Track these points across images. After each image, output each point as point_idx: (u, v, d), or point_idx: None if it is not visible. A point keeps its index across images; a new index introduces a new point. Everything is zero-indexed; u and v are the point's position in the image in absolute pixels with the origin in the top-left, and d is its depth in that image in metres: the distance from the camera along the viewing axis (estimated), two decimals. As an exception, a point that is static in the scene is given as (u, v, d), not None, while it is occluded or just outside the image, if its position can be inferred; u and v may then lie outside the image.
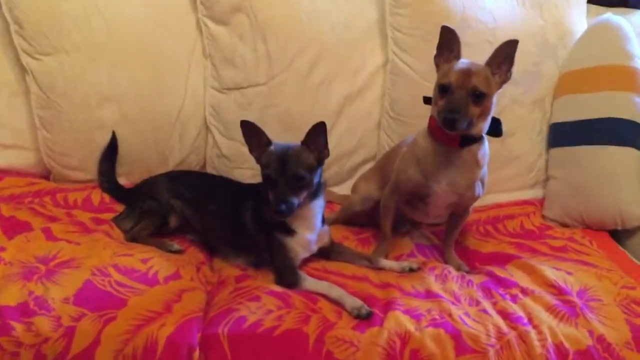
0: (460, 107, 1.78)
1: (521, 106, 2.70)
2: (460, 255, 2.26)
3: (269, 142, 1.88)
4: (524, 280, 1.97)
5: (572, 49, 2.72)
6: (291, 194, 1.80)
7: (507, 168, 2.72)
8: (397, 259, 2.19)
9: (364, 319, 1.68)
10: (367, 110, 2.74)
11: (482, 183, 2.06)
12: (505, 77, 1.89)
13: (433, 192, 2.02)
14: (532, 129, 2.74)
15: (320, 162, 1.91)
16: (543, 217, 2.62)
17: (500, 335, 1.67)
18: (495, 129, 1.98)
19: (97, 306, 1.63)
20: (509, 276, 2.01)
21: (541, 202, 2.71)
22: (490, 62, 1.87)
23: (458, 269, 2.13)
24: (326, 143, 1.88)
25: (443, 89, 1.85)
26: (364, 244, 2.32)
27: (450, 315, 1.72)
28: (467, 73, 1.82)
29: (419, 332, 1.64)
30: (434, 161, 1.98)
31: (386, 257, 2.18)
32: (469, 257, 2.28)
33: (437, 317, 1.71)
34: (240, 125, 1.86)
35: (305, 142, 1.87)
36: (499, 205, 2.69)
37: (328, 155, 1.93)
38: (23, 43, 2.42)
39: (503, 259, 2.17)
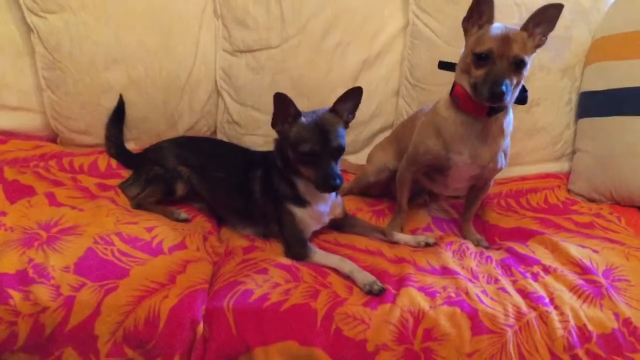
0: (505, 76, 1.70)
1: (549, 73, 2.58)
2: (479, 230, 2.20)
3: (298, 114, 1.80)
4: (546, 258, 1.90)
5: (606, 13, 2.59)
6: (335, 164, 1.76)
7: (531, 139, 2.63)
8: (413, 232, 2.14)
9: (375, 295, 1.64)
10: (385, 76, 2.65)
11: (505, 154, 1.98)
12: (540, 41, 1.80)
13: (453, 164, 1.95)
14: (560, 98, 2.63)
15: (346, 126, 1.86)
16: (568, 191, 2.54)
17: (519, 315, 1.60)
18: (520, 96, 1.89)
19: (98, 275, 1.59)
20: (530, 253, 1.94)
21: (567, 175, 2.62)
22: (526, 26, 1.77)
23: (477, 244, 2.06)
24: (356, 108, 1.84)
25: (481, 57, 1.75)
26: (379, 216, 2.27)
27: (466, 293, 1.67)
28: (507, 40, 1.72)
29: (433, 311, 1.59)
30: (456, 132, 1.90)
31: (401, 230, 2.13)
32: (488, 232, 2.22)
33: (452, 294, 1.66)
34: (274, 98, 1.75)
35: (335, 107, 1.82)
36: (523, 178, 2.61)
37: (353, 118, 1.88)
38: (27, 0, 2.35)
39: (525, 235, 2.10)
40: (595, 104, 2.52)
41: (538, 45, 1.80)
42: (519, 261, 1.89)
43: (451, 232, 2.19)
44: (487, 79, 1.72)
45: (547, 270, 1.82)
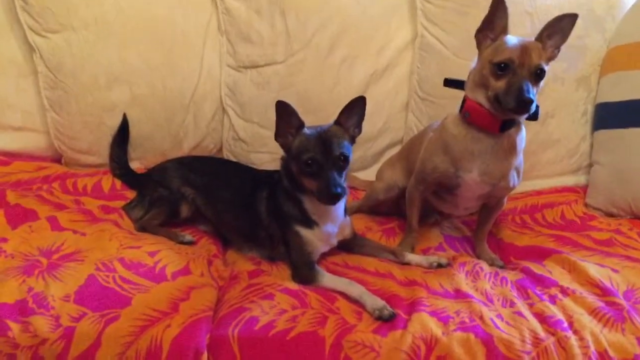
0: (529, 86, 1.67)
1: (563, 84, 2.54)
2: (493, 249, 2.15)
3: (301, 125, 1.79)
4: (564, 279, 1.85)
5: (621, 21, 2.55)
6: (339, 176, 1.73)
7: (546, 152, 2.58)
8: (425, 252, 2.10)
9: (386, 320, 1.59)
10: (394, 90, 2.63)
11: (518, 172, 1.93)
12: (552, 54, 1.77)
13: (463, 183, 1.91)
14: (576, 109, 2.59)
15: (352, 141, 1.84)
16: (586, 205, 2.48)
17: (536, 341, 1.55)
18: (532, 112, 1.83)
19: (99, 305, 1.56)
20: (547, 273, 1.89)
21: (584, 189, 2.57)
22: (540, 37, 1.75)
23: (491, 263, 2.02)
24: (361, 120, 1.82)
25: (501, 67, 1.72)
26: (389, 235, 2.23)
27: (481, 317, 1.62)
28: (525, 49, 1.70)
29: (446, 337, 1.54)
30: (466, 149, 1.86)
31: (413, 250, 2.10)
32: (503, 251, 2.16)
33: (466, 319, 1.61)
34: (276, 106, 1.74)
35: (339, 120, 1.80)
36: (538, 193, 2.56)
37: (360, 133, 1.86)
38: (29, 19, 2.37)
39: (541, 254, 2.04)
40: (611, 115, 2.47)
41: (551, 58, 1.77)
42: (535, 282, 1.84)
43: (464, 251, 2.14)
44: (511, 89, 1.68)
45: (565, 292, 1.77)
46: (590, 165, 2.58)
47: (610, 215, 2.39)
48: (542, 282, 1.83)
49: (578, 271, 1.87)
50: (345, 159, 1.75)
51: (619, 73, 2.47)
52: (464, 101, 1.88)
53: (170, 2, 2.48)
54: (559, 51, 1.77)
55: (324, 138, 1.74)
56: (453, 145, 1.88)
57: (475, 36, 1.83)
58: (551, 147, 2.58)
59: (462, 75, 1.95)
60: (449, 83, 1.95)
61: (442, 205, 2.12)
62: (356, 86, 2.56)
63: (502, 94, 1.70)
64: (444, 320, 1.60)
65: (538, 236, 2.23)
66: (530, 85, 1.67)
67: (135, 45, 2.44)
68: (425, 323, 1.57)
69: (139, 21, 2.44)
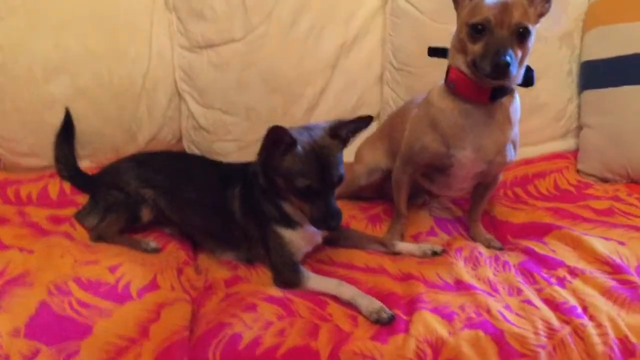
0: (507, 47, 1.54)
1: (546, 43, 2.41)
2: (487, 228, 2.05)
3: (292, 143, 1.58)
4: (569, 257, 1.75)
5: None
6: (334, 198, 1.62)
7: (532, 117, 2.47)
8: (415, 238, 2.00)
9: (384, 324, 1.48)
10: (366, 61, 2.50)
11: (514, 145, 1.82)
12: (543, 8, 1.65)
13: (456, 162, 1.79)
14: (560, 69, 2.49)
15: (344, 145, 1.69)
16: (578, 171, 2.42)
17: (551, 332, 1.45)
18: (526, 77, 1.73)
19: (55, 337, 1.39)
20: (550, 253, 1.79)
21: (574, 154, 2.50)
22: None
23: (487, 245, 1.92)
24: (358, 131, 1.68)
25: (477, 29, 1.59)
26: (375, 222, 2.12)
27: (488, 311, 1.51)
28: (505, 6, 1.57)
29: (454, 337, 1.43)
30: (456, 124, 1.73)
31: (402, 237, 1.99)
32: (499, 230, 2.07)
33: (473, 315, 1.50)
34: (267, 132, 1.52)
35: (336, 132, 1.63)
36: (526, 162, 2.46)
37: (353, 137, 1.70)
38: (-53, 8, 2.14)
39: (540, 230, 1.95)
40: (598, 74, 2.39)
41: (541, 14, 1.65)
42: (539, 264, 1.74)
43: (457, 233, 2.04)
44: (487, 52, 1.56)
45: (573, 272, 1.67)
46: (579, 128, 2.51)
47: (605, 180, 2.34)
48: (547, 263, 1.74)
49: (583, 247, 1.79)
50: (342, 178, 1.64)
51: (602, 28, 2.39)
52: (448, 70, 1.75)
53: (108, -22, 2.29)
54: (550, 5, 1.65)
55: (321, 160, 1.57)
56: (441, 120, 1.75)
57: None
58: (537, 112, 2.47)
59: (442, 42, 1.83)
60: (434, 52, 1.81)
61: (433, 186, 2.01)
62: (325, 59, 2.42)
63: (479, 58, 1.58)
64: (448, 317, 1.49)
65: (534, 211, 2.14)
66: (509, 47, 1.54)
67: (72, 29, 2.25)
68: (428, 323, 1.46)
69: (75, 2, 2.26)
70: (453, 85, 1.72)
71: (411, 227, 2.05)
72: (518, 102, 1.77)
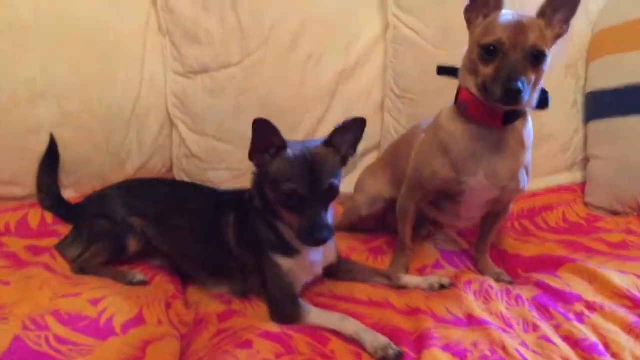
0: (520, 72, 1.48)
1: (551, 72, 2.31)
2: (496, 261, 1.99)
3: (283, 145, 1.53)
4: (586, 291, 1.67)
5: (605, 2, 2.46)
6: (324, 211, 1.53)
7: (538, 149, 2.33)
8: (421, 271, 1.92)
9: None
10: (366, 88, 2.49)
11: (527, 171, 1.75)
12: (562, 29, 1.59)
13: (467, 188, 1.71)
14: (565, 100, 2.48)
15: (344, 163, 1.63)
16: (586, 205, 2.38)
17: (572, 372, 1.36)
18: (540, 99, 1.67)
19: (29, 376, 1.28)
20: (565, 287, 1.71)
21: (581, 187, 2.47)
22: (543, 12, 1.57)
23: (497, 279, 1.84)
24: (358, 141, 1.62)
25: (489, 50, 1.53)
26: (377, 255, 2.05)
27: (503, 348, 1.42)
28: (520, 27, 1.51)
29: (467, 377, 1.33)
30: (466, 148, 1.66)
31: (407, 270, 1.91)
32: (508, 263, 2.01)
33: (487, 352, 1.41)
34: (253, 125, 1.48)
35: (331, 140, 1.56)
36: (532, 195, 2.41)
37: (354, 154, 1.65)
38: None
39: (552, 263, 1.87)
40: (605, 104, 2.38)
41: (559, 36, 1.59)
42: (555, 298, 1.66)
43: (465, 267, 1.96)
44: (498, 76, 1.50)
45: (591, 307, 1.59)
46: (586, 159, 2.48)
47: (615, 213, 2.30)
48: (563, 297, 1.65)
49: (600, 281, 1.70)
50: (334, 192, 1.54)
51: (608, 58, 2.38)
52: (459, 91, 1.68)
53: (100, 0, 2.25)
54: (568, 26, 1.59)
55: (310, 165, 1.50)
56: (451, 144, 1.68)
57: (464, 14, 1.64)
58: (543, 143, 2.44)
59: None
60: (443, 71, 1.75)
61: (441, 216, 1.94)
62: (325, 86, 2.40)
63: (490, 82, 1.52)
64: (460, 355, 1.40)
65: (545, 243, 2.09)
66: (522, 73, 1.48)
67: (61, 52, 2.19)
68: (440, 362, 1.36)
69: (64, 24, 2.20)
70: (464, 107, 1.65)
71: (416, 260, 1.97)
72: (531, 125, 1.71)
